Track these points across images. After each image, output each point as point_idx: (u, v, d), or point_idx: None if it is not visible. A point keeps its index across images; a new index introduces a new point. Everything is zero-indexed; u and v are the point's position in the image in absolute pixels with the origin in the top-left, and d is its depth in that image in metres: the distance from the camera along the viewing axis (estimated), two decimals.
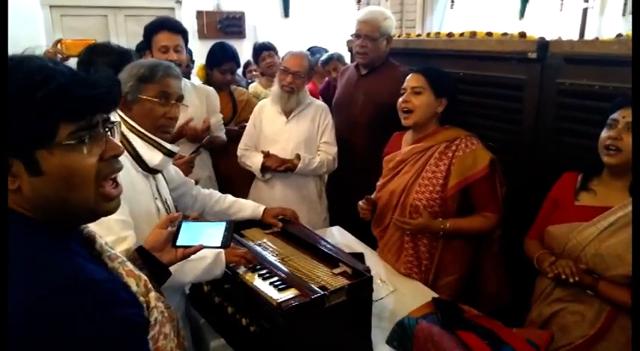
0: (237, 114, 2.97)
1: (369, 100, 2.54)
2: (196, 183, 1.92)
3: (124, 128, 1.46)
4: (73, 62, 2.15)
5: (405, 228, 1.91)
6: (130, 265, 0.87)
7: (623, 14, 4.00)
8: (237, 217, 1.85)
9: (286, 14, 5.89)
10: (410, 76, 1.98)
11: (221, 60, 2.85)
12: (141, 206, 1.47)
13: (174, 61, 2.22)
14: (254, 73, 4.21)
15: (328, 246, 1.64)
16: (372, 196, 2.11)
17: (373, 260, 2.06)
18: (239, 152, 2.61)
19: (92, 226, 0.89)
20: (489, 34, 2.26)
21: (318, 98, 2.92)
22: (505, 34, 2.19)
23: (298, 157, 2.46)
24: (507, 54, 2.11)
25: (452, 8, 5.07)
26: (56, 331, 0.66)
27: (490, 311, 1.85)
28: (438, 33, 2.65)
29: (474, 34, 2.33)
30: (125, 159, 1.42)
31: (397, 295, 1.81)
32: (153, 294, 0.85)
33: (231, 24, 5.67)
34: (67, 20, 5.04)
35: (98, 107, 0.78)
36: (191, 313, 1.70)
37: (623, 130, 1.48)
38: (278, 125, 2.53)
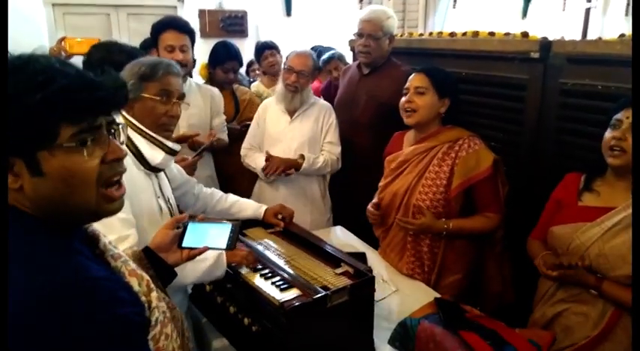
0: (239, 113, 2.97)
1: (371, 100, 2.54)
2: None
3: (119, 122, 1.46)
4: (74, 60, 2.14)
5: (409, 228, 1.90)
6: (132, 265, 0.87)
7: (626, 14, 3.99)
8: (239, 216, 1.85)
9: (288, 13, 5.89)
10: (413, 75, 1.98)
11: (224, 59, 2.85)
12: (143, 205, 1.47)
13: (180, 61, 2.23)
14: (257, 72, 4.22)
15: (330, 246, 1.64)
16: (375, 196, 2.11)
17: (375, 260, 2.06)
18: (242, 152, 2.61)
19: (95, 224, 0.89)
20: (492, 33, 2.25)
21: (319, 97, 2.92)
22: (507, 33, 2.19)
23: (302, 157, 2.45)
24: (510, 54, 2.11)
25: (454, 8, 5.07)
26: (56, 331, 0.66)
27: (494, 311, 1.85)
28: (441, 32, 2.64)
29: (476, 33, 2.32)
30: (127, 157, 1.42)
31: (399, 295, 1.81)
32: (154, 294, 0.85)
33: (234, 23, 5.67)
34: (70, 19, 5.05)
35: (100, 110, 0.78)
36: (193, 312, 1.70)
37: (627, 130, 1.47)
38: (282, 125, 2.53)
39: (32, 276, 0.69)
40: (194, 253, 1.21)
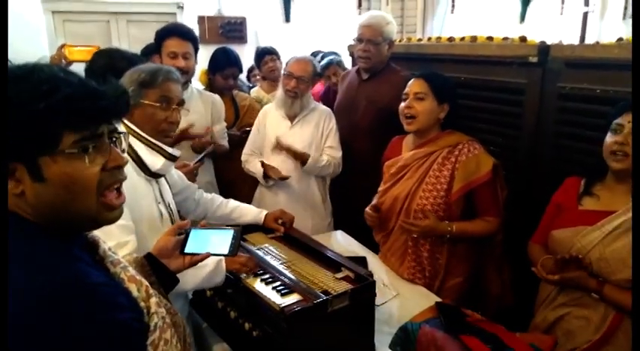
0: (239, 119, 2.98)
1: (370, 105, 2.55)
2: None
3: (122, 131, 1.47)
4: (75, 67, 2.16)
5: (413, 230, 1.88)
6: (131, 271, 0.87)
7: (624, 18, 4.01)
8: (239, 221, 1.85)
9: (287, 19, 5.91)
10: (412, 81, 1.98)
11: (223, 65, 2.86)
12: (143, 210, 1.48)
13: (182, 68, 2.25)
14: (258, 77, 4.23)
15: (329, 251, 1.64)
16: (374, 201, 2.11)
17: (376, 264, 2.06)
18: (243, 157, 2.62)
19: (94, 231, 0.89)
20: (490, 38, 2.26)
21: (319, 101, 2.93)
22: (506, 38, 2.20)
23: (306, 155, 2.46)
24: (508, 58, 2.11)
25: (452, 13, 5.09)
26: (56, 331, 0.66)
27: (494, 313, 1.86)
28: (439, 37, 2.66)
29: (474, 38, 2.33)
30: (127, 164, 1.42)
31: (400, 299, 1.81)
32: (154, 299, 0.85)
33: (233, 29, 5.69)
34: (70, 26, 5.06)
35: (103, 118, 0.79)
36: (194, 317, 1.70)
37: (629, 135, 1.48)
38: (282, 130, 2.53)
39: (32, 276, 0.69)
40: (196, 260, 1.22)
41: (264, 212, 1.88)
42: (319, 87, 3.66)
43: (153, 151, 1.52)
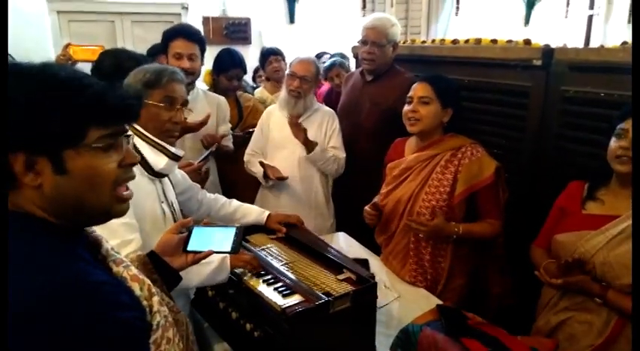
0: (242, 120, 2.98)
1: (374, 106, 2.55)
2: (203, 186, 1.93)
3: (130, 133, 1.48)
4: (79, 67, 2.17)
5: (421, 229, 1.86)
6: (134, 270, 0.88)
7: (629, 22, 4.00)
8: (242, 221, 1.86)
9: (292, 20, 5.92)
10: (417, 85, 1.98)
11: (228, 66, 2.87)
12: (146, 210, 1.48)
13: (187, 69, 2.26)
14: (263, 78, 4.24)
15: (333, 252, 1.64)
16: (374, 200, 2.11)
17: (377, 266, 2.06)
18: (246, 157, 2.63)
19: (98, 230, 0.90)
20: (494, 41, 2.26)
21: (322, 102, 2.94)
22: (510, 41, 2.20)
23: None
24: (512, 61, 2.11)
25: (457, 15, 5.09)
26: (57, 332, 0.67)
27: (496, 313, 1.85)
28: (443, 40, 2.66)
29: (478, 41, 2.33)
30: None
31: (401, 301, 1.81)
32: (156, 298, 0.85)
33: (237, 30, 5.70)
34: (75, 26, 5.08)
35: (126, 116, 0.84)
36: (195, 317, 1.70)
37: None
38: (286, 131, 2.53)
39: (33, 276, 0.69)
40: (199, 257, 1.22)
41: (267, 213, 1.89)
42: (326, 87, 3.67)
43: (156, 150, 1.52)
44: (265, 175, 2.49)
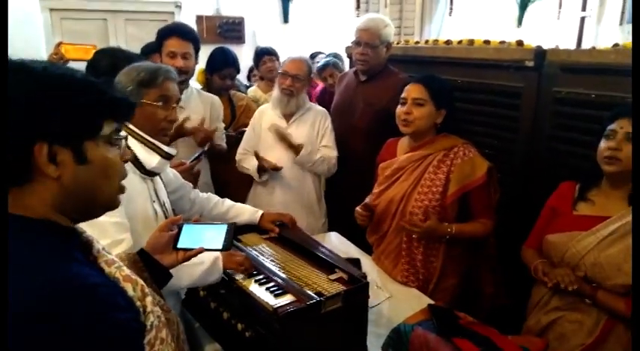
0: (235, 119, 2.97)
1: (368, 107, 2.55)
2: (195, 185, 1.93)
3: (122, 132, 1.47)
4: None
5: (414, 230, 1.87)
6: (126, 270, 0.87)
7: (620, 23, 4.03)
8: (235, 221, 1.85)
9: (285, 20, 5.91)
10: (411, 86, 1.98)
11: (221, 65, 2.86)
12: (137, 209, 1.48)
13: (181, 68, 2.25)
14: (257, 77, 4.24)
15: (325, 251, 1.64)
16: (366, 200, 2.11)
17: (369, 266, 2.06)
18: (237, 156, 2.62)
19: (88, 230, 0.89)
20: (487, 42, 2.27)
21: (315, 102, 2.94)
22: (502, 42, 2.21)
23: (301, 146, 2.47)
24: (505, 62, 2.12)
25: (450, 16, 5.10)
26: (56, 333, 0.66)
27: (489, 313, 1.86)
28: (436, 40, 2.67)
29: (471, 41, 2.34)
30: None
31: (393, 301, 1.81)
32: (149, 298, 0.85)
33: (231, 29, 5.68)
34: (67, 24, 5.04)
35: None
36: (186, 317, 1.69)
37: (621, 140, 1.49)
38: None
39: (32, 277, 0.69)
40: (190, 255, 1.22)
41: (260, 212, 1.88)
42: (320, 87, 3.67)
43: (148, 149, 1.52)
44: (259, 170, 2.49)
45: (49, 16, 4.95)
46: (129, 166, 1.46)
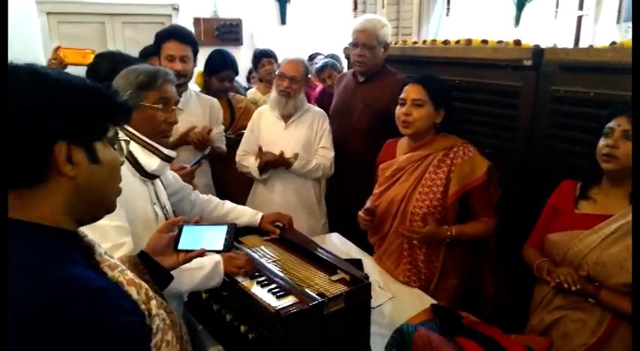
0: (235, 121, 2.97)
1: (367, 108, 2.55)
2: (194, 189, 1.92)
3: (122, 135, 1.47)
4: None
5: (414, 237, 1.88)
6: (130, 274, 0.87)
7: (618, 22, 4.03)
8: (236, 223, 1.85)
9: (283, 21, 5.91)
10: (409, 86, 1.97)
11: (219, 68, 2.86)
12: (138, 211, 1.47)
13: (180, 71, 2.26)
14: (256, 79, 4.24)
15: (326, 253, 1.64)
16: (368, 203, 2.12)
17: (371, 267, 2.06)
18: (237, 158, 2.63)
19: (89, 234, 0.89)
20: (485, 41, 2.28)
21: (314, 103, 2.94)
22: (500, 41, 2.21)
23: (296, 156, 2.48)
24: (502, 61, 2.13)
25: (447, 16, 5.10)
26: (57, 332, 0.66)
27: (491, 313, 1.86)
28: (434, 40, 2.67)
29: (469, 41, 2.35)
30: (123, 164, 1.42)
31: (396, 301, 1.81)
32: (154, 302, 0.85)
33: (228, 31, 5.68)
34: (65, 27, 5.04)
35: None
36: (189, 320, 1.69)
37: (619, 138, 1.49)
38: (277, 131, 2.55)
39: (36, 281, 0.69)
40: (191, 256, 1.21)
41: (260, 214, 1.89)
42: (319, 88, 3.67)
43: (148, 151, 1.52)
44: (260, 169, 2.49)
45: (47, 19, 4.95)
46: (129, 170, 1.47)
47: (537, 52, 2.00)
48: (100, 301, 0.72)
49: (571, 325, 1.60)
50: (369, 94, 2.56)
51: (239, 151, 2.64)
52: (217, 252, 1.29)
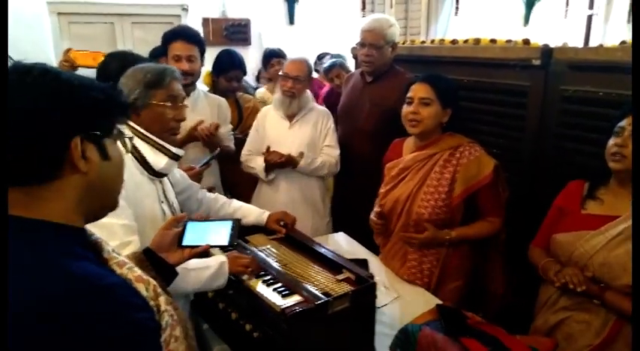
0: (243, 121, 2.98)
1: (374, 107, 2.55)
2: (210, 190, 1.94)
3: (129, 133, 1.48)
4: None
5: (413, 242, 1.90)
6: (138, 271, 0.88)
7: (628, 21, 3.99)
8: (242, 222, 1.85)
9: (291, 21, 5.92)
10: (417, 85, 1.97)
11: (227, 67, 2.87)
12: (146, 210, 1.49)
13: (187, 71, 2.27)
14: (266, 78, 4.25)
15: (331, 252, 1.65)
16: (375, 204, 2.11)
17: (377, 266, 2.06)
18: (242, 158, 2.64)
19: (97, 232, 0.90)
20: (493, 41, 2.27)
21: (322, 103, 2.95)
22: (509, 41, 2.20)
23: (302, 155, 2.49)
24: (511, 61, 2.12)
25: (456, 15, 5.08)
26: (69, 331, 0.66)
27: (497, 312, 1.85)
28: (443, 40, 2.66)
29: (477, 41, 2.34)
30: (131, 163, 1.44)
31: (401, 301, 1.81)
32: (162, 298, 0.87)
33: (237, 31, 5.70)
34: (75, 27, 5.08)
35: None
36: (194, 318, 1.70)
37: (628, 137, 1.48)
38: (281, 130, 2.56)
39: (46, 278, 0.69)
40: (196, 251, 1.22)
41: (267, 213, 1.89)
42: (327, 88, 3.67)
43: (156, 150, 1.53)
44: (266, 168, 2.50)
45: (57, 19, 4.99)
46: (137, 168, 1.48)
47: (546, 51, 1.99)
48: (112, 299, 0.72)
49: (575, 326, 1.59)
50: (377, 93, 2.56)
51: (244, 151, 2.65)
52: (222, 247, 1.30)
